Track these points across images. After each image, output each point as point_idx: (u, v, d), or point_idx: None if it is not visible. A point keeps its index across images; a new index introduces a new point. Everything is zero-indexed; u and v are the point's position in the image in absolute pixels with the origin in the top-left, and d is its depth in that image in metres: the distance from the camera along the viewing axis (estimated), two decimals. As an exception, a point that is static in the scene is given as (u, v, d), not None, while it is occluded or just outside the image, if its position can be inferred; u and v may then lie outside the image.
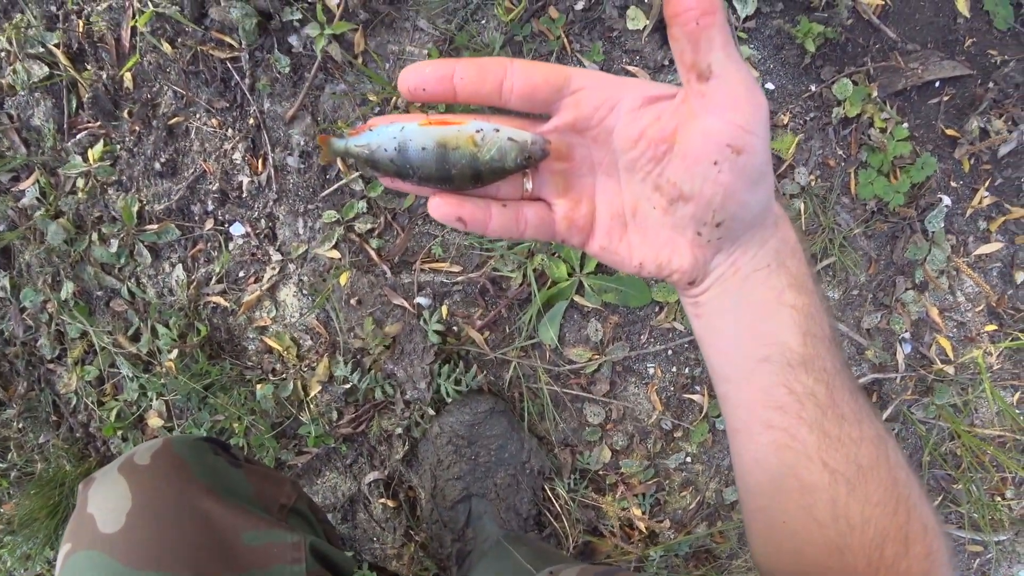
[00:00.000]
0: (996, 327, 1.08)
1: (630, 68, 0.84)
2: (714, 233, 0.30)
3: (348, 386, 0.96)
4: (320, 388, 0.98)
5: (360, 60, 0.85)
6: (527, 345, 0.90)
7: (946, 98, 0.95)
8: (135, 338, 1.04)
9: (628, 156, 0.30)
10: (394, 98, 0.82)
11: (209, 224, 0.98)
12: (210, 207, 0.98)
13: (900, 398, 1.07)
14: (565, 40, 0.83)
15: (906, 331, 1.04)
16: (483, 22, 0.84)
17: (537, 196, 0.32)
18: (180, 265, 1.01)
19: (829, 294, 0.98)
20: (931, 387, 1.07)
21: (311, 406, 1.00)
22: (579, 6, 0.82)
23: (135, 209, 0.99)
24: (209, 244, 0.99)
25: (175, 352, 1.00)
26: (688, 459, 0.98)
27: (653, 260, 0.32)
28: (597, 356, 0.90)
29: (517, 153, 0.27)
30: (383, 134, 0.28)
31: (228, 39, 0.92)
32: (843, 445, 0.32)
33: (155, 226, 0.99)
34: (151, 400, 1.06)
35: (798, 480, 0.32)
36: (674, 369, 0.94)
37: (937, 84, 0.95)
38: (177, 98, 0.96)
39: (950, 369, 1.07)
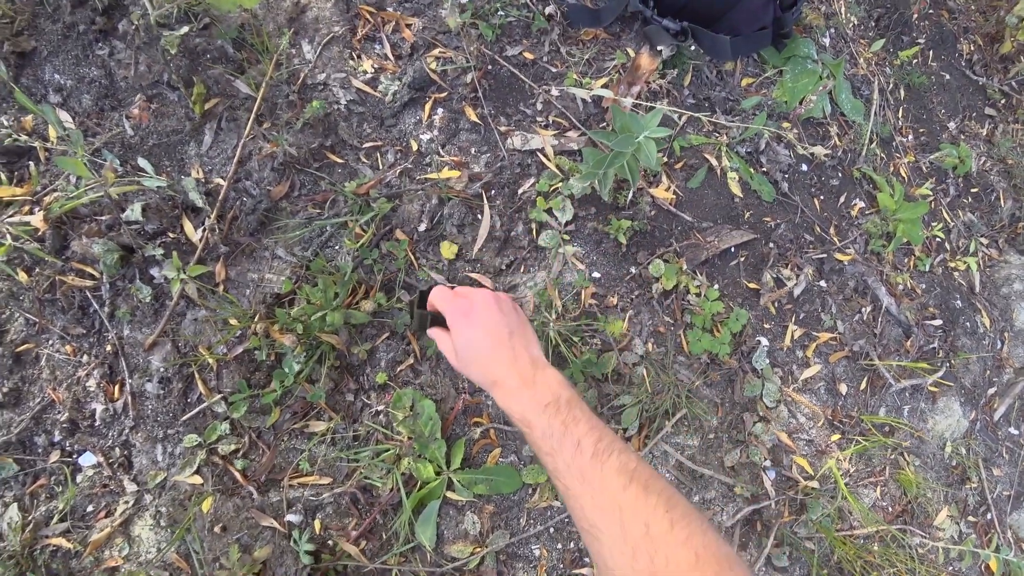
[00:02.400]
0: (840, 436, 1.22)
1: (473, 275, 0.96)
2: None
3: (212, 626, 0.86)
4: (180, 633, 0.87)
5: (221, 290, 0.90)
6: (406, 550, 0.88)
7: (742, 259, 1.17)
8: (-52, 602, 0.88)
9: None
10: (253, 324, 0.86)
11: (55, 456, 0.91)
12: (57, 438, 0.92)
13: (779, 522, 1.14)
14: (412, 258, 0.94)
15: (766, 460, 1.14)
16: (336, 248, 0.93)
17: None
18: (15, 504, 0.90)
19: (688, 442, 1.07)
20: (804, 504, 1.16)
21: (169, 657, 0.87)
22: (422, 227, 0.95)
23: (-34, 447, 0.90)
24: (53, 478, 0.91)
25: (-2, 615, 0.86)
26: (590, 636, 0.95)
27: None
28: (479, 549, 0.89)
29: None
30: None
31: (89, 269, 0.94)
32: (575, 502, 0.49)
33: (-12, 464, 0.90)
34: None
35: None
36: (559, 546, 0.95)
37: (732, 249, 1.17)
38: (28, 325, 0.94)
39: (814, 484, 1.18)
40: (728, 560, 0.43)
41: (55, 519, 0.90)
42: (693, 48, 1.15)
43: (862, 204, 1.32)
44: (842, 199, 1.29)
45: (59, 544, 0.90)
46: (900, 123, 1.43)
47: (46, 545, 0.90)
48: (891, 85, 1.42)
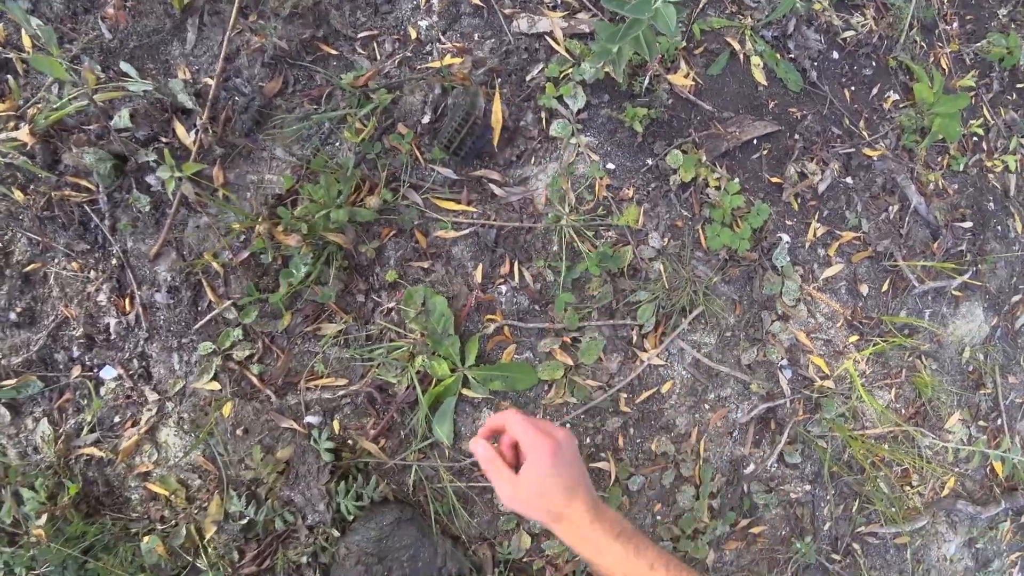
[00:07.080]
0: (858, 337, 1.20)
1: (479, 173, 0.91)
2: None
3: (245, 521, 0.89)
4: (216, 528, 0.91)
5: (220, 193, 0.87)
6: (425, 447, 0.89)
7: (765, 152, 1.11)
8: (-4, 508, 0.92)
9: None
10: (256, 227, 0.83)
11: (76, 371, 0.92)
12: (76, 353, 0.92)
13: (793, 420, 1.15)
14: (417, 151, 0.89)
15: (783, 358, 1.13)
16: (336, 144, 0.89)
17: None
18: (45, 419, 0.93)
19: (705, 340, 1.06)
20: (818, 403, 1.16)
21: (209, 550, 0.92)
22: (425, 119, 0.90)
23: (-11, 366, 0.91)
24: (78, 392, 0.93)
25: (44, 517, 0.90)
26: (608, 527, 0.98)
27: None
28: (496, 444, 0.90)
29: None
30: None
31: (84, 182, 0.91)
32: None
33: (13, 381, 0.92)
34: (18, 578, 0.93)
35: None
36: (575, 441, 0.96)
37: (755, 141, 1.10)
38: (32, 244, 0.93)
39: (830, 383, 1.17)
40: None
41: (85, 431, 0.92)
42: (715, -84, 1.03)
43: (896, 96, 1.22)
44: (875, 90, 1.20)
45: (91, 453, 0.92)
46: (945, 8, 1.30)
47: (80, 455, 0.93)
48: (936, -39, 1.28)
